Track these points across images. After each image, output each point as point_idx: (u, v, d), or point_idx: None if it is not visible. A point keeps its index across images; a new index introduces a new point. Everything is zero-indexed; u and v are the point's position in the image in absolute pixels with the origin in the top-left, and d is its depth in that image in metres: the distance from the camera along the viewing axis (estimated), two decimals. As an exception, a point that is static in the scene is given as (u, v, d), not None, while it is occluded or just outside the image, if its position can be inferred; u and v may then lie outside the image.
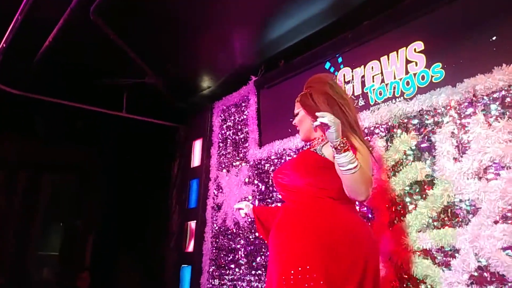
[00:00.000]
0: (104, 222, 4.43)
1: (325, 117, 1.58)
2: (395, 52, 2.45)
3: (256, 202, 3.31)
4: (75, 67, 3.77)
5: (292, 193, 1.89)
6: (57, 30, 3.00)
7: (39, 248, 4.19)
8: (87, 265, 4.37)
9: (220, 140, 3.94)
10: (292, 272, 1.67)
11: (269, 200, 3.20)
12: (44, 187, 4.20)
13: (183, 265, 4.07)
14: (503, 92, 1.94)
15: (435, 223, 2.09)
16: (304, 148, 2.85)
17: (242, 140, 3.65)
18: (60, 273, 4.21)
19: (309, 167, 1.85)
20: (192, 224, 4.13)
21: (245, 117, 3.66)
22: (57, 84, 3.88)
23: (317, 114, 1.62)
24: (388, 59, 2.49)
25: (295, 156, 2.81)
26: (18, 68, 3.58)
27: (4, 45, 3.09)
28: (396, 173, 2.29)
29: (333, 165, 1.75)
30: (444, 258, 2.03)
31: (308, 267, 1.65)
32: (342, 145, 1.62)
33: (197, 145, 4.33)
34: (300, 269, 1.66)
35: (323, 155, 1.85)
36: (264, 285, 2.71)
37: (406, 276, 2.15)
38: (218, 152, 3.92)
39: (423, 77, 2.30)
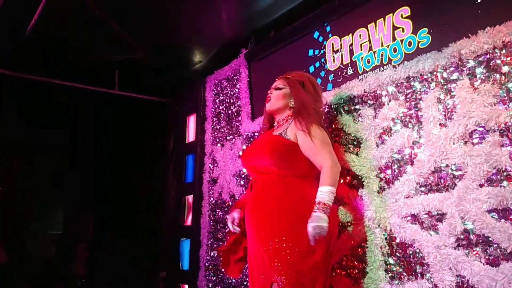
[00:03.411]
0: (104, 198, 4.49)
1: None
2: (382, 19, 2.42)
3: (251, 174, 3.34)
4: (64, 46, 3.73)
5: (262, 173, 2.20)
6: (42, 7, 2.96)
7: (39, 227, 4.26)
8: (88, 239, 4.46)
9: (213, 115, 3.94)
10: (271, 243, 1.99)
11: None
12: (39, 167, 4.23)
13: (182, 239, 4.15)
14: (488, 55, 1.92)
15: (423, 189, 2.11)
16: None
17: (235, 113, 3.65)
18: (62, 249, 4.30)
19: (277, 150, 2.15)
20: (190, 198, 4.18)
21: (237, 90, 3.65)
22: (49, 63, 3.86)
23: None
24: (376, 26, 2.46)
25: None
26: (6, 48, 3.56)
27: (-10, 26, 3.07)
28: (385, 140, 2.30)
29: (297, 147, 2.13)
30: (431, 222, 2.06)
31: (284, 238, 1.98)
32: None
33: (192, 120, 4.34)
34: (277, 240, 1.98)
35: (288, 139, 2.16)
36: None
37: (395, 241, 2.20)
38: (212, 126, 3.93)
39: (409, 43, 2.28)
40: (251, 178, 2.37)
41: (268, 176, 2.17)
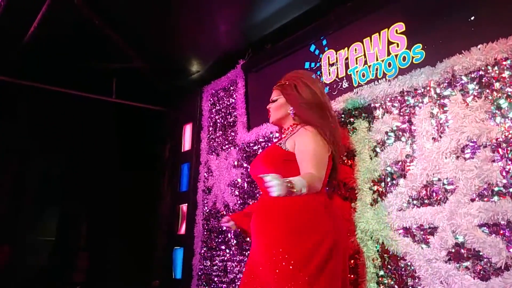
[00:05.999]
0: (97, 206, 4.48)
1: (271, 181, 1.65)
2: (377, 34, 2.46)
3: (245, 184, 3.36)
4: (63, 54, 3.76)
5: (261, 183, 2.04)
6: (41, 15, 2.99)
7: (34, 234, 4.24)
8: (83, 247, 4.44)
9: (209, 124, 3.96)
10: (269, 256, 1.94)
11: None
12: (34, 173, 4.23)
13: (175, 247, 4.14)
14: (481, 72, 1.96)
15: (415, 202, 2.13)
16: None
17: (231, 123, 3.67)
18: (56, 256, 4.28)
19: (274, 160, 2.09)
20: (184, 207, 4.18)
21: (233, 101, 3.68)
22: (46, 70, 3.88)
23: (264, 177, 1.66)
24: (371, 41, 2.50)
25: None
26: (6, 55, 3.58)
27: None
28: (378, 153, 2.33)
29: (295, 157, 2.02)
30: (423, 236, 2.08)
31: (280, 250, 1.93)
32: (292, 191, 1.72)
33: (188, 129, 4.36)
34: (274, 252, 1.93)
35: (286, 149, 2.08)
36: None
37: (387, 254, 2.21)
38: (208, 136, 3.95)
39: (404, 58, 2.32)
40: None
41: None
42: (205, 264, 3.63)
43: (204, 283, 3.58)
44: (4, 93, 3.86)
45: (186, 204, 4.12)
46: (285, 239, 1.95)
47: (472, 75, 1.98)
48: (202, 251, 3.69)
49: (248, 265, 2.15)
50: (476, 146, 1.93)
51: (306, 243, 1.92)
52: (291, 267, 1.89)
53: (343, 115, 2.55)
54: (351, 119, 2.50)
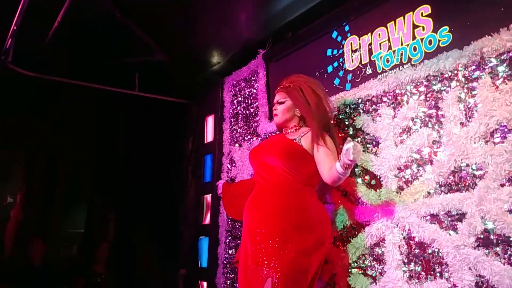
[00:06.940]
0: (123, 198, 4.57)
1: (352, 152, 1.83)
2: (401, 18, 2.41)
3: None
4: (86, 48, 3.82)
5: (268, 173, 2.25)
6: (64, 10, 3.04)
7: (63, 226, 4.37)
8: (109, 239, 4.56)
9: (231, 115, 3.97)
10: (271, 241, 2.08)
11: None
12: (63, 168, 4.34)
13: (200, 237, 4.19)
14: (511, 54, 1.90)
15: (442, 188, 2.09)
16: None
17: (253, 114, 3.67)
18: (84, 248, 4.40)
19: (288, 152, 2.23)
20: (208, 197, 4.22)
21: (255, 91, 3.67)
22: (71, 65, 3.96)
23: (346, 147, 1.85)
24: (395, 25, 2.45)
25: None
26: (31, 50, 3.66)
27: (15, 28, 3.15)
28: (404, 140, 2.29)
29: (308, 156, 2.21)
30: (451, 222, 2.04)
31: (284, 239, 2.07)
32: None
33: (210, 121, 4.38)
34: (277, 239, 2.08)
35: (301, 145, 2.24)
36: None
37: (413, 241, 2.18)
38: (230, 127, 3.96)
39: (430, 42, 2.26)
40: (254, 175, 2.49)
41: (274, 176, 2.23)
42: (230, 252, 3.66)
43: (229, 271, 3.62)
44: (30, 88, 3.96)
45: (210, 195, 4.16)
46: (290, 230, 2.09)
47: (502, 57, 1.93)
48: (227, 240, 3.72)
49: (243, 250, 2.26)
50: (506, 130, 1.88)
51: (315, 234, 2.12)
52: (293, 254, 2.04)
53: (367, 102, 2.52)
54: (375, 106, 2.47)
